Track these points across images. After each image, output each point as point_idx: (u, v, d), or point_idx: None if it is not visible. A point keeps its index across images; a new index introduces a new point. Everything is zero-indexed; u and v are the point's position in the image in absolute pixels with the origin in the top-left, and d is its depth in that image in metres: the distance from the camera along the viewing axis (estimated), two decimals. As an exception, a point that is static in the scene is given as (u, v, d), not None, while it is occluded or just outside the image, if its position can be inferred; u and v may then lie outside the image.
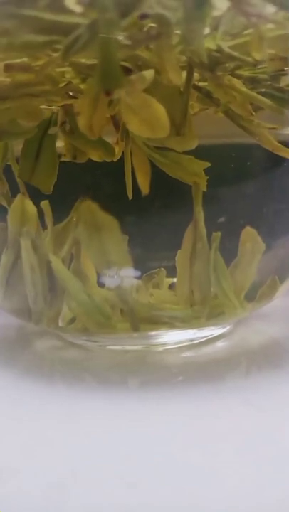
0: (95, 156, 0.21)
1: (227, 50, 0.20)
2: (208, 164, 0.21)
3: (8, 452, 0.18)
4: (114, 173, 0.21)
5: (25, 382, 0.23)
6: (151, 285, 0.22)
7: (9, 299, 0.24)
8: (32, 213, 0.22)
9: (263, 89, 0.21)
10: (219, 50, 0.20)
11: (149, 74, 0.19)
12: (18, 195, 0.22)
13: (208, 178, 0.21)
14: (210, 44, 0.20)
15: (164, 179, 0.21)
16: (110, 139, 0.21)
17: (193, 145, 0.20)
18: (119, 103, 0.19)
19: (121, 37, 0.19)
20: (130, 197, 0.21)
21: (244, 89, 0.20)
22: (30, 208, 0.22)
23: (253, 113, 0.20)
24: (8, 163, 0.22)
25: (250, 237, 0.22)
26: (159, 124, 0.19)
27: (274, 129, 0.21)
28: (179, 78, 0.19)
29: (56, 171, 0.21)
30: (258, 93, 0.21)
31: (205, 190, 0.21)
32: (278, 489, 0.16)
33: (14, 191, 0.22)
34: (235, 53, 0.20)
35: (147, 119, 0.19)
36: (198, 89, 0.21)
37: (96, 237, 0.21)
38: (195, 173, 0.21)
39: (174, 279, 0.22)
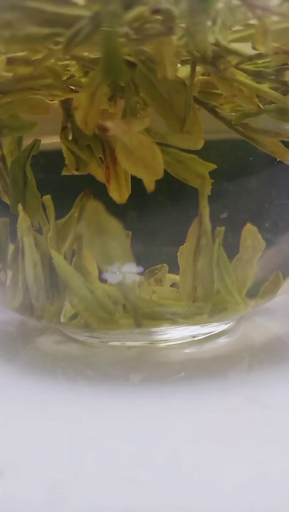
0: (98, 172, 0.21)
1: (224, 43, 0.19)
2: (213, 166, 0.20)
3: (8, 450, 0.18)
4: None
5: (27, 378, 0.23)
6: (154, 281, 0.22)
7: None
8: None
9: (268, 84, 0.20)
10: (220, 43, 0.20)
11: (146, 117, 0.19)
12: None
13: (211, 173, 0.21)
14: (211, 37, 0.19)
15: (168, 174, 0.21)
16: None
17: (198, 145, 0.20)
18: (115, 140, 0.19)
19: (129, 31, 0.18)
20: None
21: (249, 81, 0.20)
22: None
23: (261, 106, 0.20)
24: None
25: (250, 234, 0.22)
26: (153, 165, 0.19)
27: None
28: (175, 73, 0.19)
29: (40, 201, 0.21)
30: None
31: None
32: (281, 486, 0.16)
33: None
34: (232, 47, 0.20)
35: (142, 159, 0.19)
36: (203, 104, 0.21)
37: (99, 235, 0.21)
38: (199, 175, 0.20)
39: (177, 276, 0.22)
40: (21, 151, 0.21)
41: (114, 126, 0.19)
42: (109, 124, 0.19)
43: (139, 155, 0.19)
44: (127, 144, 0.19)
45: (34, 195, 0.21)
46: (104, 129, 0.19)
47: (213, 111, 0.21)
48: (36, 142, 0.21)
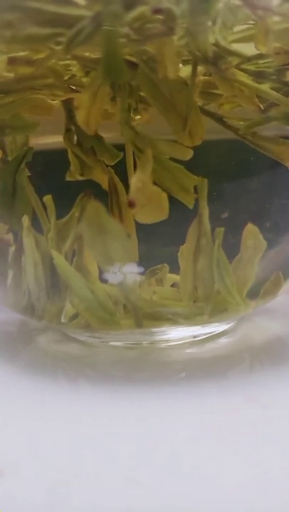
0: (103, 179, 0.21)
1: (223, 43, 0.19)
2: (198, 180, 0.20)
3: (8, 450, 0.18)
4: (118, 168, 0.21)
5: (28, 378, 0.23)
6: (154, 281, 0.22)
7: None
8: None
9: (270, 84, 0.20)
10: (219, 44, 0.20)
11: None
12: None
13: (211, 173, 0.21)
14: (212, 38, 0.19)
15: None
16: (108, 135, 0.20)
17: (187, 155, 0.20)
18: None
19: (130, 31, 0.18)
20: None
21: (250, 82, 0.20)
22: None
23: (261, 106, 0.20)
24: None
25: (252, 235, 0.22)
26: (161, 209, 0.20)
27: None
28: (176, 72, 0.19)
29: (31, 208, 0.21)
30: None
31: (207, 187, 0.21)
32: (281, 486, 0.16)
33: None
34: (232, 47, 0.20)
35: (152, 209, 0.19)
36: (210, 114, 0.21)
37: (100, 235, 0.21)
38: (183, 188, 0.20)
39: (177, 276, 0.22)
40: (17, 155, 0.21)
41: (136, 194, 0.19)
42: (133, 196, 0.19)
43: (149, 208, 0.19)
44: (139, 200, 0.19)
45: (24, 202, 0.21)
46: (132, 204, 0.19)
47: (221, 120, 0.21)
48: (29, 150, 0.21)
